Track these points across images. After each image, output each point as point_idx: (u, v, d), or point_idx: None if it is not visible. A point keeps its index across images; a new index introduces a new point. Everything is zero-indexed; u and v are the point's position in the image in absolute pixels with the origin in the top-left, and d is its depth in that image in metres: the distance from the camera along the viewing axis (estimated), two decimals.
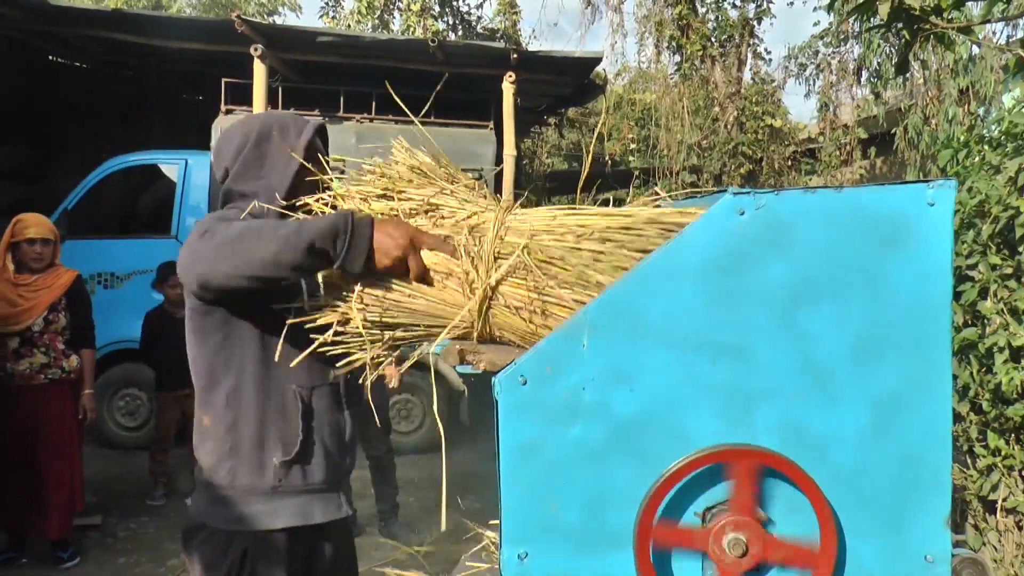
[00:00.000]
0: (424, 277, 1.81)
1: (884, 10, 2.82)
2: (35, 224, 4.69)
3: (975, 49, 8.44)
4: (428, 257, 1.81)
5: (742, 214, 1.61)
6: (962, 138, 4.01)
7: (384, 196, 1.93)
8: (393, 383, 5.44)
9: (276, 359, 2.04)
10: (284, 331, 1.94)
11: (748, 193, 1.61)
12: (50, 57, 9.59)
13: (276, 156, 2.22)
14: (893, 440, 1.65)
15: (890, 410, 1.64)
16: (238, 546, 2.16)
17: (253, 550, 2.16)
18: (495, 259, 1.76)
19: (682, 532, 1.64)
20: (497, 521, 1.72)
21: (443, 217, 1.87)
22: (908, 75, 10.34)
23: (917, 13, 2.82)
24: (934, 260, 1.63)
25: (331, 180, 2.11)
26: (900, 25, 2.93)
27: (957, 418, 3.65)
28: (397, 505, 5.66)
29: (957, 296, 3.54)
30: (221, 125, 7.84)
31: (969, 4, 3.22)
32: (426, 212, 1.89)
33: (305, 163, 2.18)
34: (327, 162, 2.23)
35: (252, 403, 2.15)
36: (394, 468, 5.69)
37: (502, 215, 1.81)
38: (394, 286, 1.82)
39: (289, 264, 1.82)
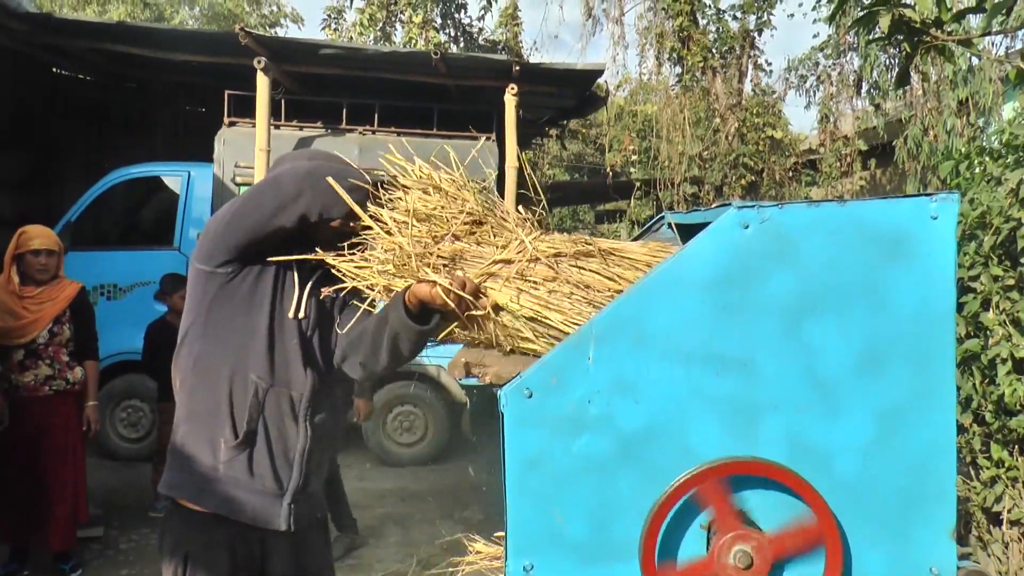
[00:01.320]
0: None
1: (885, 23, 2.84)
2: (39, 236, 4.69)
3: (974, 61, 8.47)
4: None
5: (746, 227, 1.63)
6: (963, 149, 4.02)
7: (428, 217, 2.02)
8: (361, 417, 5.44)
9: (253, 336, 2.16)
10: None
11: (752, 207, 1.63)
12: (54, 69, 9.63)
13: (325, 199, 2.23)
14: (897, 452, 1.65)
15: (894, 422, 1.65)
16: (179, 530, 2.21)
17: (180, 521, 2.19)
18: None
19: (685, 570, 1.65)
20: (500, 533, 1.72)
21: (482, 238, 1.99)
22: (908, 87, 10.36)
23: (918, 25, 2.83)
24: (938, 273, 1.64)
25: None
26: (901, 37, 2.94)
27: (960, 429, 3.65)
28: (354, 518, 5.61)
29: (959, 307, 3.55)
30: (224, 137, 7.86)
31: (969, 16, 3.24)
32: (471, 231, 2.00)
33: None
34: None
35: (215, 374, 2.17)
36: (342, 488, 5.60)
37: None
38: None
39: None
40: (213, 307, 2.17)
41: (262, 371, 2.17)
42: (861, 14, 3.00)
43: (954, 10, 2.75)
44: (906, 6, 2.76)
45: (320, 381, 2.25)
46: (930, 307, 1.64)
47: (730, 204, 1.67)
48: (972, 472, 3.70)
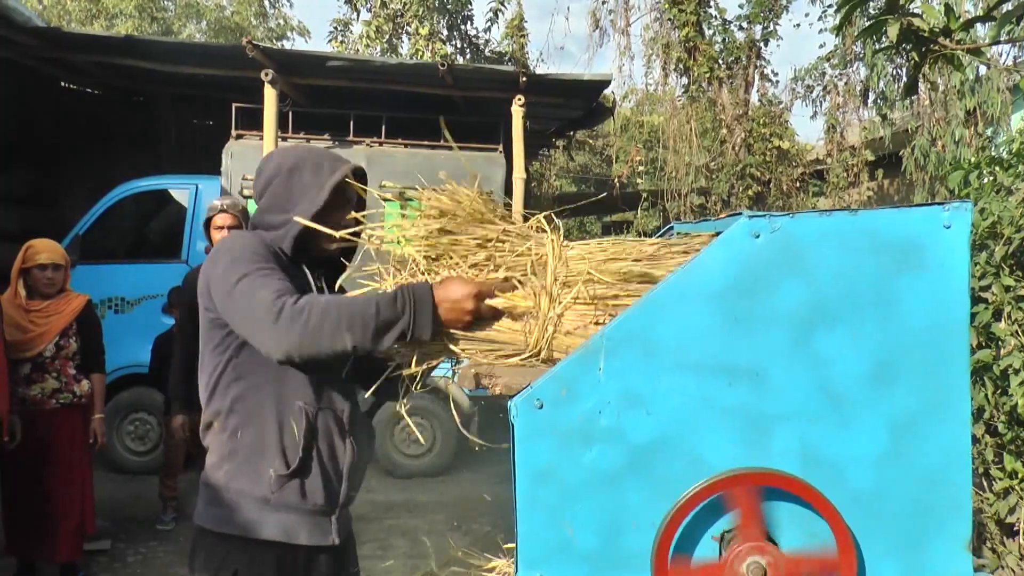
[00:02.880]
0: (496, 318, 1.89)
1: (893, 32, 2.82)
2: (46, 250, 4.70)
3: (982, 70, 8.46)
4: (495, 301, 1.87)
5: (757, 237, 1.62)
6: (973, 159, 4.01)
7: (446, 231, 1.98)
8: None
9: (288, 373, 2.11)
10: None
11: (763, 216, 1.62)
12: (62, 84, 9.68)
13: (304, 191, 2.24)
14: (911, 463, 1.64)
15: (908, 433, 1.64)
16: (223, 550, 2.17)
17: (236, 555, 2.16)
18: (560, 289, 1.84)
19: (699, 570, 1.63)
20: (510, 545, 1.71)
21: (502, 253, 1.95)
22: (915, 96, 10.36)
23: (926, 34, 2.82)
24: (950, 282, 1.62)
25: (363, 220, 2.20)
26: (909, 47, 2.93)
27: (972, 440, 3.63)
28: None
29: (971, 318, 3.52)
30: (232, 150, 7.88)
31: (977, 25, 3.23)
32: (484, 248, 1.95)
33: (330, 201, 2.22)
34: (363, 201, 2.34)
35: (258, 411, 2.16)
36: None
37: (559, 248, 1.88)
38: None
39: (369, 349, 1.93)
40: (242, 350, 2.15)
41: (307, 397, 2.16)
42: (869, 23, 3.00)
43: (963, 19, 2.74)
44: (914, 15, 2.75)
45: (353, 392, 2.28)
46: (943, 317, 1.63)
47: (740, 214, 1.66)
48: (985, 483, 3.67)
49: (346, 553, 2.38)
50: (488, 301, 1.87)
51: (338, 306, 1.92)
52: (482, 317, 1.88)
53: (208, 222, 4.81)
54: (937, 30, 2.70)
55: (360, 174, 2.38)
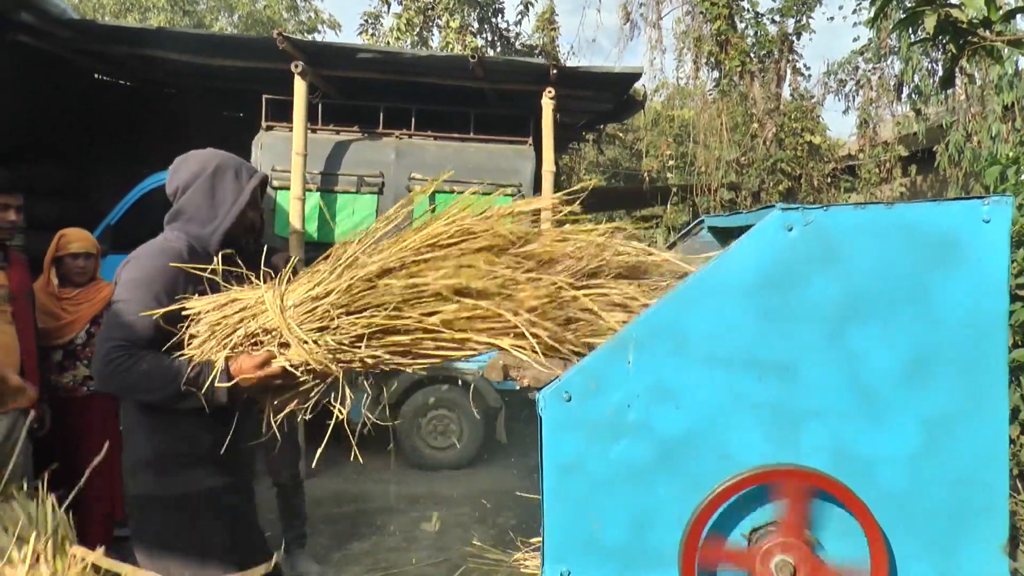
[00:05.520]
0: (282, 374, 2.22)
1: (931, 23, 2.77)
2: (78, 239, 4.75)
3: (1021, 63, 8.30)
4: (277, 361, 2.22)
5: (790, 230, 1.59)
6: (1010, 154, 3.94)
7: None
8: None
9: None
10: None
11: (796, 209, 1.59)
12: (95, 76, 9.76)
13: (226, 194, 2.63)
14: (946, 462, 1.61)
15: (942, 432, 1.60)
16: None
17: None
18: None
19: (729, 552, 1.61)
20: (536, 538, 1.70)
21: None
22: (950, 91, 10.20)
23: (965, 26, 2.76)
24: (989, 278, 1.59)
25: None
26: (946, 39, 2.88)
27: (1009, 441, 3.57)
28: (304, 535, 5.40)
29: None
30: (262, 141, 7.92)
31: (1018, 16, 3.17)
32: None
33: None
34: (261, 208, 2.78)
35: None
36: (303, 497, 5.42)
37: (277, 301, 2.18)
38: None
39: (171, 407, 2.42)
40: None
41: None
42: (905, 15, 2.95)
43: (1004, 10, 2.68)
44: (953, 6, 2.70)
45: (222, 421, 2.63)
46: (981, 313, 1.59)
47: (772, 207, 1.63)
48: (1020, 485, 3.61)
49: None
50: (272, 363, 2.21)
51: (154, 376, 2.35)
52: (276, 376, 2.21)
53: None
54: (976, 21, 2.65)
55: (264, 182, 2.81)
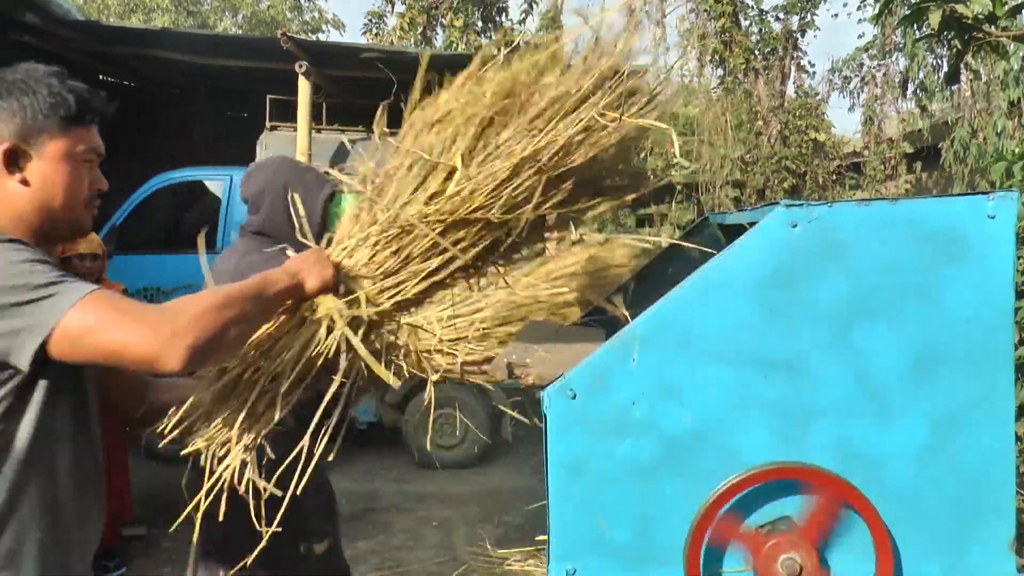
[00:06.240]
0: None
1: (936, 19, 2.77)
2: (85, 240, 4.77)
3: None
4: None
5: (795, 227, 1.58)
6: (1017, 150, 3.93)
7: None
8: None
9: None
10: None
11: (801, 205, 1.58)
12: (100, 76, 9.78)
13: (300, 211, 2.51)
14: (952, 460, 1.60)
15: (948, 429, 1.60)
16: None
17: None
18: None
19: (742, 534, 1.60)
20: (542, 537, 1.70)
21: None
22: (955, 88, 10.18)
23: (970, 21, 2.76)
24: (994, 274, 1.58)
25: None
26: (951, 34, 2.87)
27: (1015, 439, 3.56)
28: None
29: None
30: (266, 141, 7.93)
31: None
32: None
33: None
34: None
35: None
36: None
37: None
38: None
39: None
40: None
41: None
42: (910, 11, 2.94)
43: (1009, 5, 2.68)
44: (958, 1, 2.69)
45: None
46: (987, 310, 1.59)
47: (777, 203, 1.63)
48: None
49: None
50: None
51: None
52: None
53: None
54: (982, 17, 2.65)
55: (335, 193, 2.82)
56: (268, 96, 8.09)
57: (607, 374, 1.59)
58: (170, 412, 1.89)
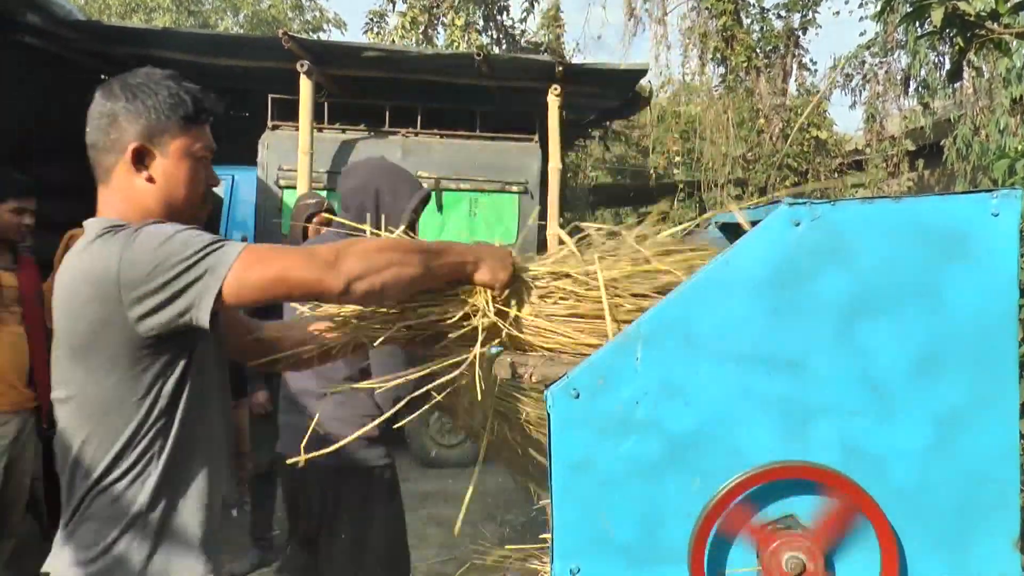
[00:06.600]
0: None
1: (938, 16, 2.76)
2: None
3: None
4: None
5: (797, 225, 1.58)
6: (1019, 148, 3.92)
7: None
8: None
9: None
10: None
11: (804, 203, 1.58)
12: (102, 76, 9.80)
13: (389, 211, 2.74)
14: (956, 458, 1.60)
15: (953, 427, 1.60)
16: None
17: None
18: None
19: (751, 525, 1.59)
20: (545, 535, 1.70)
21: None
22: (957, 85, 10.16)
23: (972, 19, 2.75)
24: (998, 273, 1.58)
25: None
26: (954, 32, 2.86)
27: (1020, 436, 3.55)
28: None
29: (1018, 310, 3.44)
30: (268, 141, 7.93)
31: None
32: None
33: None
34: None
35: None
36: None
37: None
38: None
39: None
40: None
41: None
42: (912, 8, 2.94)
43: (1012, 2, 2.67)
44: None
45: None
46: (991, 308, 1.58)
47: (779, 202, 1.62)
48: None
49: None
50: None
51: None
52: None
53: (308, 219, 5.17)
54: (984, 14, 2.64)
55: (427, 198, 2.96)
56: (270, 95, 8.09)
57: (610, 373, 1.58)
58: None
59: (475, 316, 1.80)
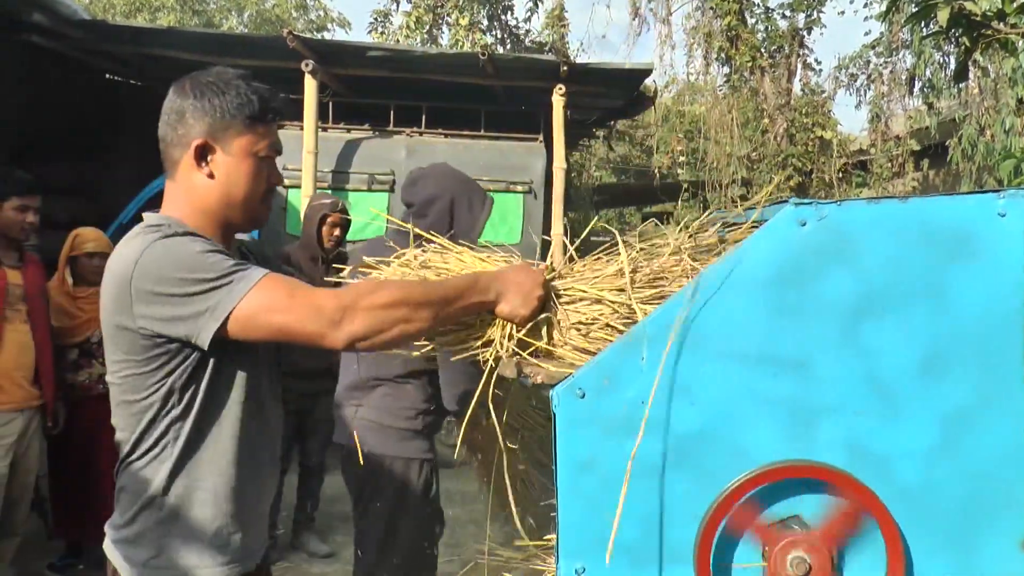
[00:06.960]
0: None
1: (944, 16, 2.76)
2: (93, 239, 4.79)
3: None
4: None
5: (803, 225, 1.58)
6: None
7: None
8: None
9: None
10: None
11: (810, 203, 1.58)
12: (107, 76, 9.80)
13: (462, 226, 2.84)
14: (962, 458, 1.59)
15: (959, 427, 1.59)
16: None
17: None
18: None
19: (757, 524, 1.59)
20: (550, 535, 1.70)
21: None
22: (963, 85, 10.14)
23: (978, 19, 2.75)
24: (1004, 273, 1.57)
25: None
26: (959, 32, 2.86)
27: None
28: (314, 517, 5.68)
29: None
30: None
31: None
32: None
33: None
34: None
35: None
36: (320, 482, 5.70)
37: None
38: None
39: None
40: None
41: None
42: (917, 8, 2.93)
43: (1018, 2, 2.66)
44: None
45: None
46: (997, 308, 1.58)
47: (785, 202, 1.62)
48: None
49: None
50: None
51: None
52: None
53: (322, 220, 5.16)
54: (991, 14, 2.64)
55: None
56: None
57: (616, 373, 1.58)
58: None
59: (492, 352, 1.82)
